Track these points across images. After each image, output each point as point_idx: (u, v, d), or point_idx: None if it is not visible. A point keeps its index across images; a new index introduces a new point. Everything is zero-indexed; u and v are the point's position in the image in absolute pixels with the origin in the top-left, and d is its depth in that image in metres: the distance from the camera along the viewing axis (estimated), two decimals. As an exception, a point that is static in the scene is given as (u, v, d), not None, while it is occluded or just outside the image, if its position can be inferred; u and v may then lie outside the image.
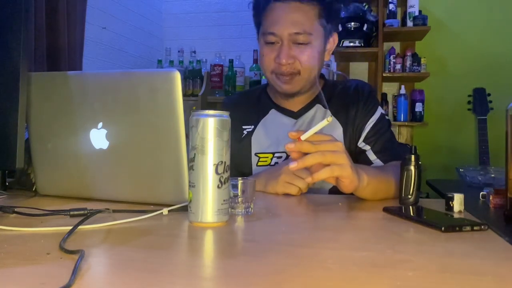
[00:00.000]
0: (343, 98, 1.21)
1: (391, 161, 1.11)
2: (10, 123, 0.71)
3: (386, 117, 1.22)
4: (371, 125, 1.17)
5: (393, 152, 1.14)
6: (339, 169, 0.82)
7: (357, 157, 1.16)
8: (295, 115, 1.22)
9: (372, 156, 1.15)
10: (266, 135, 1.22)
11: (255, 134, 1.23)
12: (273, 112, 1.25)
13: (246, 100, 1.32)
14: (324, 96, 1.17)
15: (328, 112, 1.18)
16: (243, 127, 1.24)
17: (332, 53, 1.33)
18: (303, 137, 0.80)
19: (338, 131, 1.17)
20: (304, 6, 1.11)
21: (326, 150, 0.81)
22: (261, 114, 1.25)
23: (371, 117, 1.18)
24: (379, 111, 1.20)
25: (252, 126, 1.24)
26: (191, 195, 0.68)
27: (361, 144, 1.17)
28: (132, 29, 3.26)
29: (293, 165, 0.81)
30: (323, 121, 0.79)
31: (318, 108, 1.22)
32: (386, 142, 1.17)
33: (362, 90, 1.22)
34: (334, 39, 1.21)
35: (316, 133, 0.82)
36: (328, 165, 0.82)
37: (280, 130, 1.20)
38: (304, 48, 1.12)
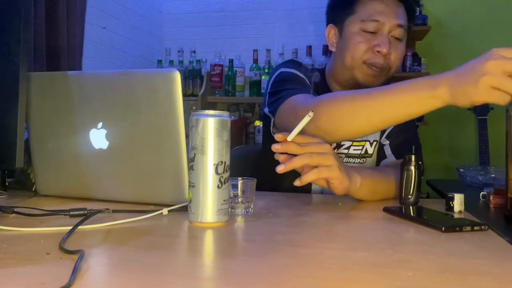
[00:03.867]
0: None
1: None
2: (10, 123, 0.71)
3: (416, 123, 1.21)
4: None
5: (407, 150, 1.12)
6: (326, 170, 0.81)
7: (378, 152, 1.18)
8: None
9: (388, 151, 1.17)
10: None
11: None
12: None
13: (306, 74, 1.20)
14: None
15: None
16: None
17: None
18: (289, 138, 0.79)
19: None
20: (400, 3, 1.12)
21: (313, 152, 0.80)
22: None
23: None
24: None
25: None
26: (191, 195, 0.68)
27: (383, 139, 1.19)
28: (132, 29, 3.26)
29: (280, 168, 0.79)
30: (305, 118, 0.78)
31: None
32: (405, 140, 1.17)
33: None
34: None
35: (301, 134, 0.81)
36: (316, 167, 0.81)
37: None
38: (398, 44, 1.12)
